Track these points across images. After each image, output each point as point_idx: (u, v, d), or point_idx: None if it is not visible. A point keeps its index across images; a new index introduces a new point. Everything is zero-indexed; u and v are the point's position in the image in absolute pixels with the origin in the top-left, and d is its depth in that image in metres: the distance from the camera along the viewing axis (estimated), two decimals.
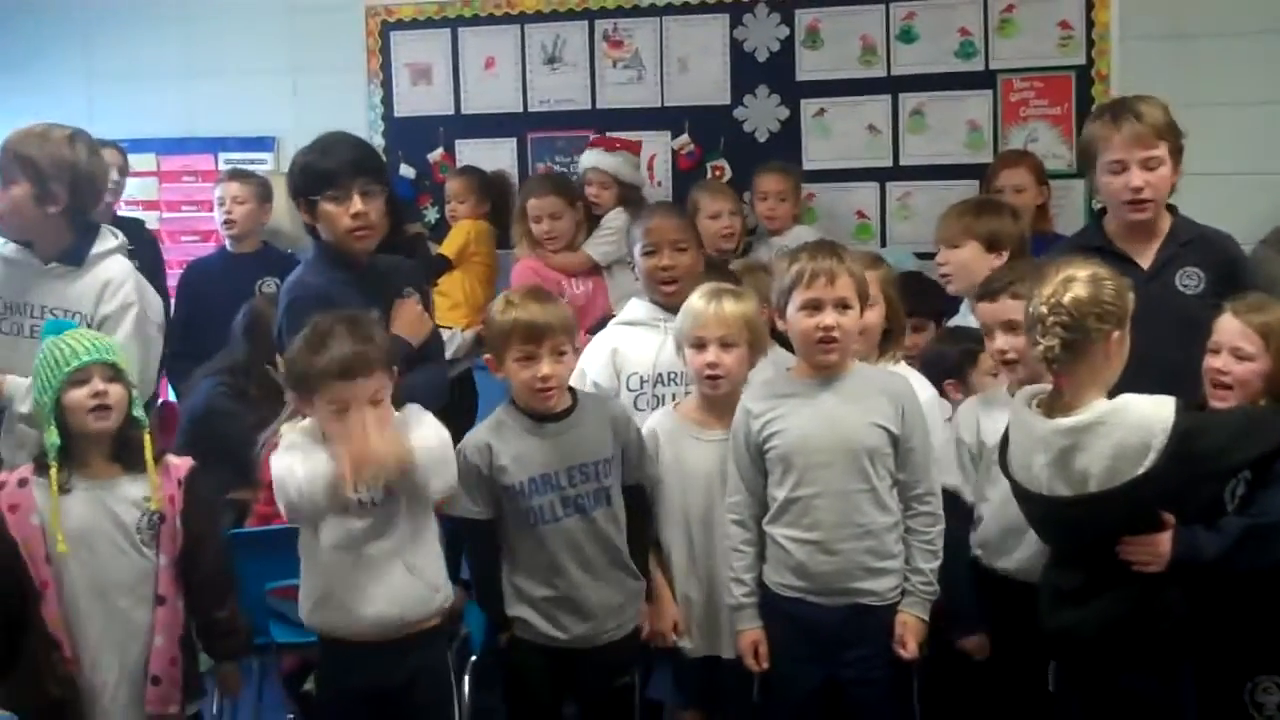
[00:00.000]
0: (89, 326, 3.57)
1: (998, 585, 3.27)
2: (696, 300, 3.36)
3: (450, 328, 4.92)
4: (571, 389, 3.33)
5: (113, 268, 3.76)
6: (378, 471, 2.97)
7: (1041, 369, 2.97)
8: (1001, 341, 3.27)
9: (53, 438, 3.09)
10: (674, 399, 3.54)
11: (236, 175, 5.47)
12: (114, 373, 3.13)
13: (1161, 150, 3.44)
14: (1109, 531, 2.88)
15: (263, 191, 5.42)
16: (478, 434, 3.27)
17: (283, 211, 5.28)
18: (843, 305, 3.13)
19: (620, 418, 3.32)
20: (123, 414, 3.13)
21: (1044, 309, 2.83)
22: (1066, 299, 2.81)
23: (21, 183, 3.63)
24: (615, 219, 4.96)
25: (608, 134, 5.20)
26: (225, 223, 5.39)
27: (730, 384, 3.32)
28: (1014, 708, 3.26)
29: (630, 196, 5.02)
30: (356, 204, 3.43)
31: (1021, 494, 3.01)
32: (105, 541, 3.11)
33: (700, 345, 3.31)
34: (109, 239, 3.79)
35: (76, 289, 3.68)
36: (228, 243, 5.47)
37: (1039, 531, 3.07)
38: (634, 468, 3.31)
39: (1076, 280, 2.84)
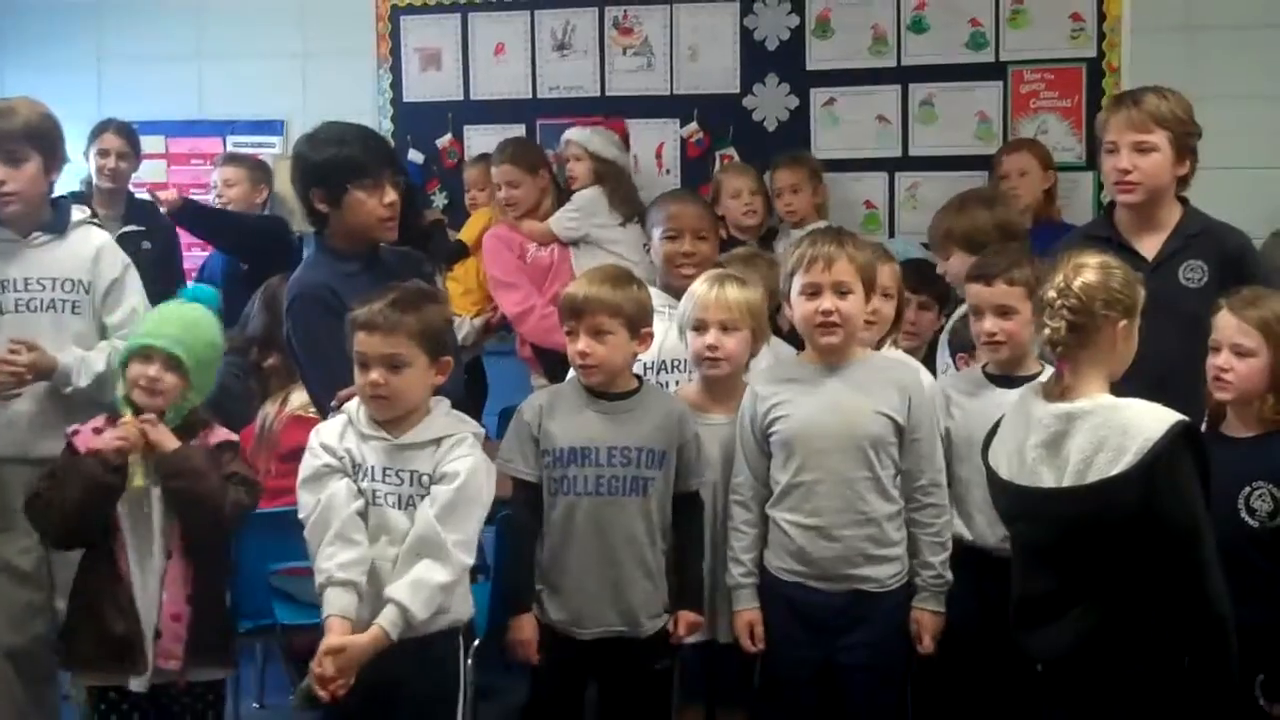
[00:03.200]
0: (86, 292, 3.67)
1: (981, 561, 3.25)
2: (700, 285, 3.37)
3: (460, 315, 4.92)
4: (639, 377, 3.33)
5: (97, 235, 3.82)
6: None
7: (1023, 354, 3.03)
8: (991, 324, 3.27)
9: (120, 390, 3.22)
10: (676, 385, 3.54)
11: (230, 159, 5.50)
12: (175, 364, 3.18)
13: (1156, 137, 3.44)
14: (1072, 529, 2.80)
15: (256, 174, 5.45)
16: (539, 395, 3.30)
17: (290, 193, 5.28)
18: (841, 290, 3.13)
19: (681, 417, 3.27)
20: (170, 403, 3.20)
21: (1053, 293, 2.83)
22: (1076, 284, 2.81)
23: (34, 158, 3.65)
24: (582, 197, 4.94)
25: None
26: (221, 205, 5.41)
27: (730, 367, 3.33)
28: (1003, 687, 3.22)
29: (606, 172, 4.97)
30: (390, 194, 3.48)
31: (998, 486, 2.97)
32: (136, 498, 3.16)
33: (701, 328, 3.32)
34: (77, 210, 3.83)
35: (61, 257, 3.70)
36: None
37: (1010, 526, 3.01)
38: (688, 473, 3.27)
39: (1087, 267, 2.84)
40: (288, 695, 4.47)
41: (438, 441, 3.03)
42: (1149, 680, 2.82)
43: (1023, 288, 3.20)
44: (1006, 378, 3.28)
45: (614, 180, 4.95)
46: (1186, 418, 2.75)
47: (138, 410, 3.19)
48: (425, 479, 3.00)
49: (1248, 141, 4.61)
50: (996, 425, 3.03)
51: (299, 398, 3.90)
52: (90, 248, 3.75)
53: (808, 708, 3.21)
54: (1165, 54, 4.75)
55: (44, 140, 3.69)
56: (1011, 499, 2.94)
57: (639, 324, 3.24)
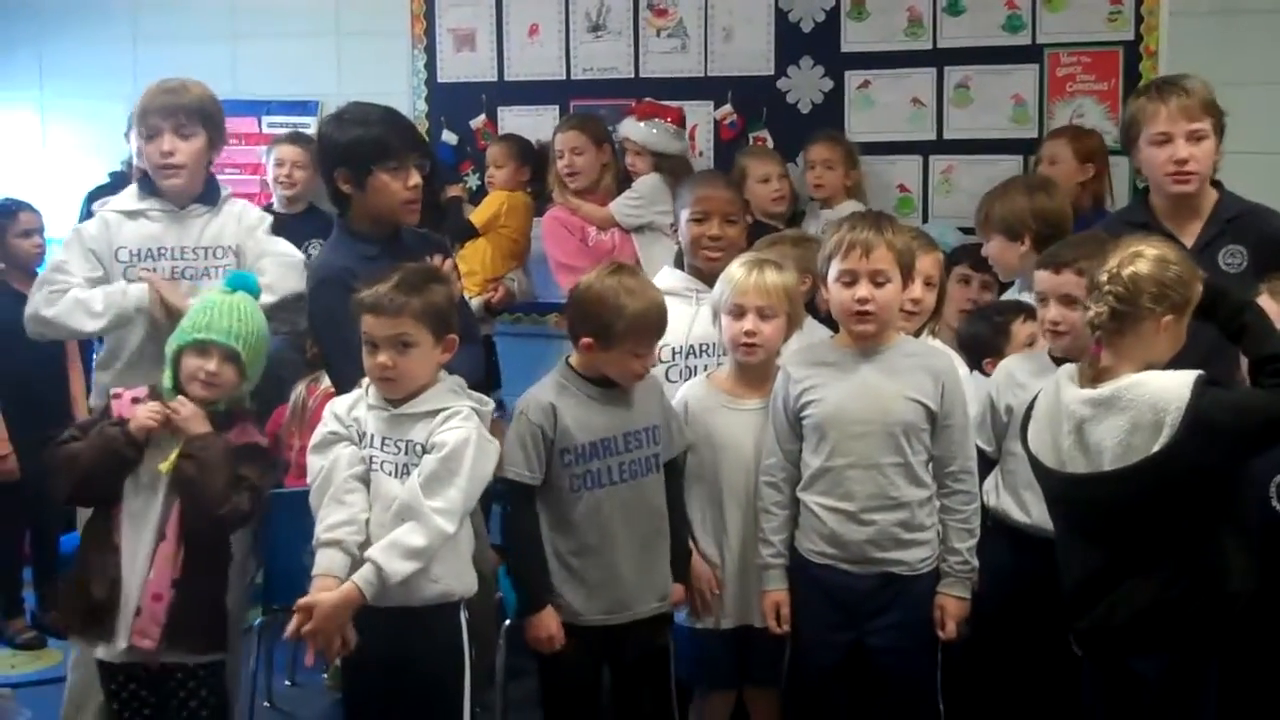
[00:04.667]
0: (235, 256, 3.79)
1: (1027, 542, 3.26)
2: (737, 269, 3.36)
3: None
4: None
5: (238, 202, 3.96)
6: None
7: (1086, 344, 2.98)
8: (1055, 313, 3.24)
9: (167, 381, 3.26)
10: (705, 370, 3.54)
11: (297, 139, 5.50)
12: (232, 357, 3.23)
13: (1206, 125, 3.42)
14: (1126, 511, 2.84)
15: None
16: (541, 395, 3.26)
17: None
18: (878, 279, 3.12)
19: (658, 387, 3.35)
20: (227, 395, 3.25)
21: (1103, 276, 2.84)
22: (1126, 271, 2.82)
23: (201, 134, 3.78)
24: (644, 183, 4.96)
25: (649, 101, 5.17)
26: (283, 185, 5.44)
27: (766, 354, 3.33)
28: (1035, 670, 3.25)
29: (667, 166, 4.99)
30: (415, 177, 3.52)
31: (1039, 470, 3.00)
32: (148, 477, 3.20)
33: (739, 313, 3.31)
34: (224, 186, 3.97)
35: (215, 228, 3.82)
36: (276, 203, 5.50)
37: (1053, 511, 3.04)
38: (676, 438, 3.33)
39: (1143, 257, 2.84)
40: (319, 673, 4.52)
41: (435, 413, 3.08)
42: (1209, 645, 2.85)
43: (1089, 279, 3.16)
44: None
45: (675, 169, 4.95)
46: (1201, 372, 2.78)
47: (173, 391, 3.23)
48: (419, 448, 3.06)
49: None
50: (1030, 409, 3.03)
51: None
52: (236, 215, 3.88)
53: (837, 690, 3.23)
54: (1203, 37, 4.69)
55: (211, 120, 3.82)
56: (1054, 484, 2.96)
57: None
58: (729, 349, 3.38)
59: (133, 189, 3.90)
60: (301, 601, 2.95)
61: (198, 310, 3.29)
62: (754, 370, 3.36)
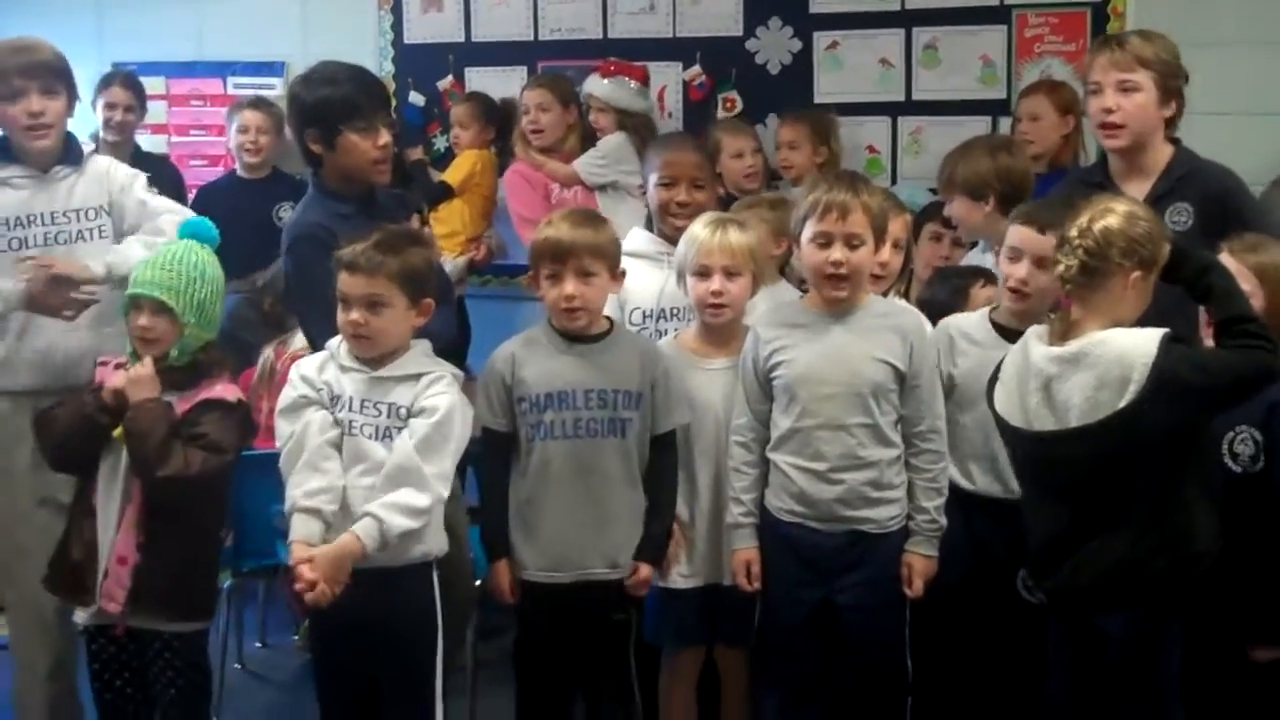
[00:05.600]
0: (108, 214, 3.67)
1: (976, 507, 3.29)
2: (700, 229, 3.35)
3: (444, 255, 4.95)
4: (610, 319, 3.34)
5: (102, 160, 3.83)
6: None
7: (1040, 312, 3.05)
8: (1025, 272, 3.22)
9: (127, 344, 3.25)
10: (676, 332, 3.54)
11: (260, 104, 5.48)
12: (162, 309, 3.17)
13: (1140, 77, 3.42)
14: (1093, 468, 2.86)
15: (279, 121, 5.44)
16: (508, 345, 3.29)
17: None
18: (854, 241, 3.12)
19: (651, 355, 3.30)
20: (172, 347, 3.20)
21: (1074, 232, 2.87)
22: (1097, 226, 2.85)
23: (63, 93, 3.67)
24: (609, 143, 4.96)
25: (614, 60, 5.17)
26: (249, 151, 5.42)
27: (733, 313, 3.33)
28: (998, 628, 3.27)
29: (631, 124, 5.00)
30: (384, 136, 3.51)
31: (1006, 431, 3.02)
32: (117, 442, 3.19)
33: (704, 273, 3.31)
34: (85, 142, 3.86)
35: (82, 188, 3.70)
36: (240, 168, 5.48)
37: (1021, 472, 3.07)
38: (662, 412, 3.28)
39: (1114, 212, 2.87)
40: (290, 635, 4.54)
41: (417, 377, 3.09)
42: (1174, 602, 2.89)
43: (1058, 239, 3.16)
44: (1016, 331, 3.22)
45: (640, 128, 4.96)
46: (1168, 330, 2.80)
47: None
48: (403, 411, 3.06)
49: (1253, 87, 4.56)
50: (998, 370, 3.04)
51: (300, 339, 3.92)
52: (100, 170, 3.76)
53: (806, 647, 3.25)
54: None
55: (67, 76, 3.71)
56: (1023, 444, 2.98)
57: (616, 264, 3.29)
58: (696, 310, 3.38)
59: None
60: (299, 555, 2.96)
61: (138, 265, 3.26)
62: (721, 330, 3.37)
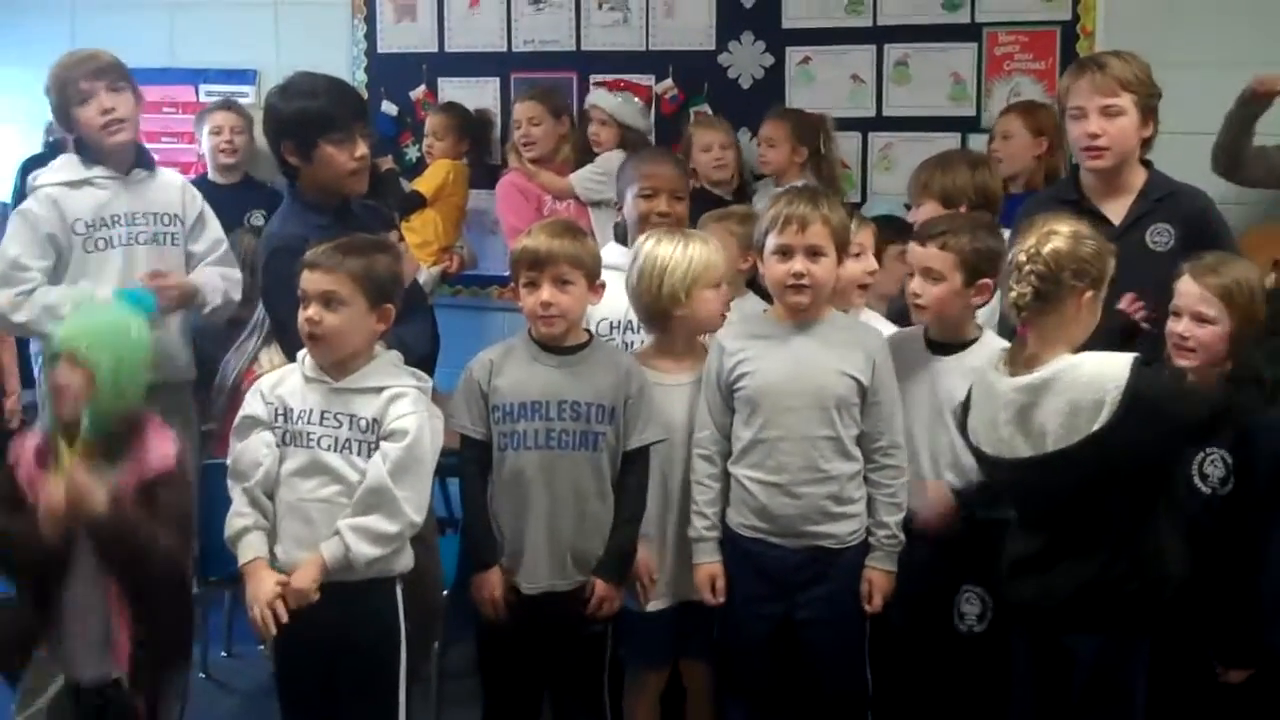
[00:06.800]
0: (181, 224, 3.89)
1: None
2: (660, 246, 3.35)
3: (422, 266, 4.96)
4: (589, 332, 3.35)
5: (172, 172, 4.02)
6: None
7: (950, 320, 3.19)
8: (917, 285, 3.27)
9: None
10: (641, 344, 3.54)
11: (229, 105, 5.49)
12: (71, 358, 2.98)
13: (1124, 100, 3.46)
14: (1072, 491, 2.87)
15: (250, 122, 5.45)
16: (487, 352, 3.29)
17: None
18: (814, 252, 3.14)
19: (629, 371, 3.27)
20: (87, 404, 2.97)
21: (1022, 257, 2.87)
22: (1045, 250, 2.85)
23: (130, 91, 3.82)
24: (609, 160, 4.96)
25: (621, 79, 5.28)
26: (225, 152, 5.42)
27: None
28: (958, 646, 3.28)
29: (630, 140, 5.04)
30: (361, 147, 3.54)
31: (986, 460, 3.02)
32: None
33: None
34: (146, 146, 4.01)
35: (157, 193, 3.87)
36: (212, 172, 5.48)
37: (1009, 498, 3.08)
38: (634, 430, 3.23)
39: (1058, 234, 2.87)
40: (255, 644, 4.51)
41: (379, 390, 3.07)
42: (1142, 625, 2.91)
43: (955, 256, 3.19)
44: (945, 344, 3.28)
45: (638, 145, 4.98)
46: (1137, 354, 2.83)
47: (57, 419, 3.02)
48: (363, 423, 3.05)
49: (1222, 108, 4.60)
50: (968, 400, 3.05)
51: (268, 358, 3.95)
52: (176, 182, 3.94)
53: (768, 662, 3.25)
54: (1140, 18, 4.72)
55: (130, 77, 3.85)
56: (1000, 471, 2.99)
57: (595, 275, 3.28)
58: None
59: (72, 159, 3.88)
60: (276, 588, 2.97)
61: (64, 320, 3.16)
62: (677, 344, 3.38)
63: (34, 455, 3.07)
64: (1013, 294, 2.89)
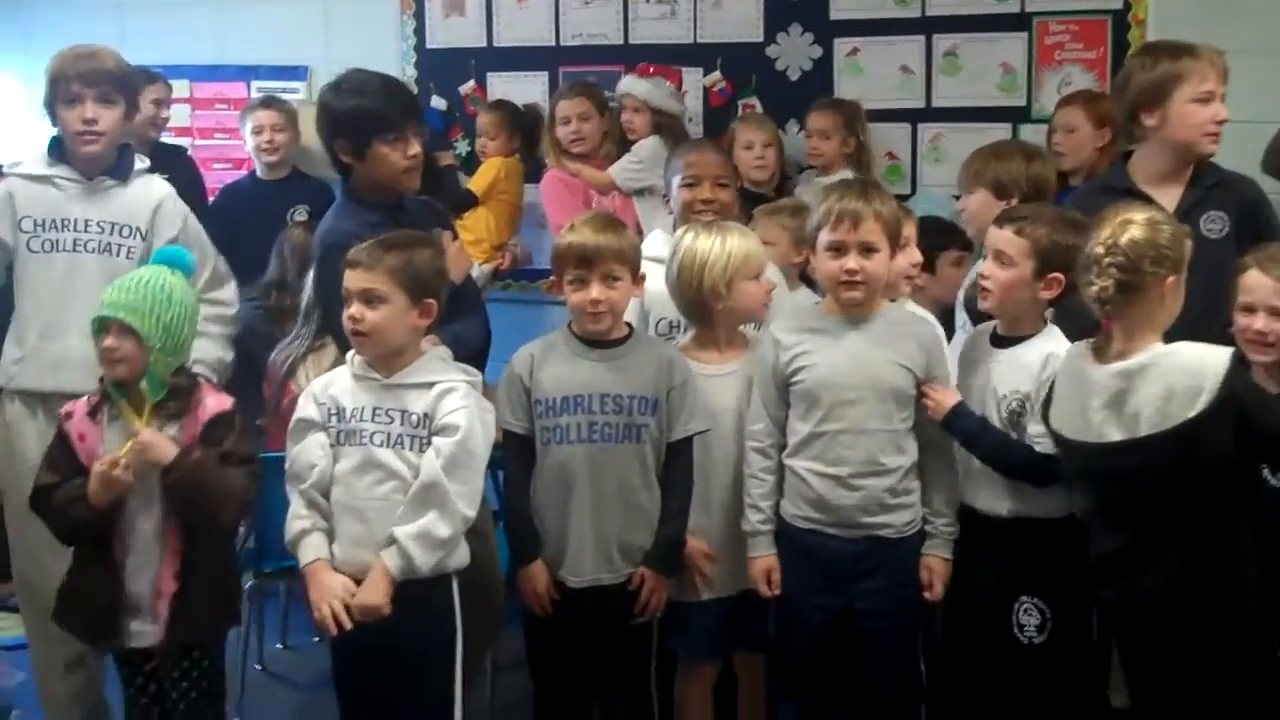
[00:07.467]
0: (142, 239, 3.70)
1: (984, 528, 3.24)
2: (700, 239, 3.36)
3: (475, 262, 4.98)
4: (630, 325, 3.35)
5: (159, 186, 3.85)
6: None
7: (1014, 311, 3.16)
8: (987, 267, 3.24)
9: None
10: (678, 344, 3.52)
11: (271, 103, 5.52)
12: (126, 330, 3.07)
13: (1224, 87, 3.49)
14: (1158, 479, 2.83)
15: (293, 119, 5.47)
16: (527, 348, 3.29)
17: (314, 137, 5.31)
18: (867, 249, 3.13)
19: (671, 363, 3.27)
20: (136, 369, 3.08)
21: (1100, 250, 2.84)
22: (1123, 241, 2.82)
23: (121, 103, 3.72)
24: (645, 148, 4.99)
25: (650, 65, 5.24)
26: (265, 151, 5.46)
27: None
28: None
29: (666, 124, 5.05)
30: (414, 146, 3.52)
31: (1067, 446, 2.98)
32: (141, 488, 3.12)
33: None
34: (139, 158, 3.86)
35: (124, 203, 3.73)
36: (259, 169, 5.52)
37: (1082, 486, 3.04)
38: (678, 420, 3.24)
39: (1134, 223, 2.84)
40: (310, 636, 4.55)
41: (429, 385, 3.08)
42: (1224, 627, 2.89)
43: (1029, 243, 3.15)
44: (1006, 338, 3.24)
45: (673, 131, 5.00)
46: (1234, 348, 2.83)
47: (120, 388, 3.11)
48: (414, 418, 3.06)
49: (1272, 96, 4.56)
50: (1051, 389, 3.03)
51: (314, 362, 4.01)
52: (153, 198, 3.79)
53: (824, 654, 3.25)
54: (1190, 6, 4.68)
55: (131, 89, 3.80)
56: (1084, 458, 2.95)
57: (638, 268, 3.28)
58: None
59: (41, 153, 3.78)
60: (343, 591, 3.02)
61: (107, 288, 3.18)
62: (720, 335, 3.38)
63: (87, 414, 3.16)
64: (1094, 288, 2.86)
